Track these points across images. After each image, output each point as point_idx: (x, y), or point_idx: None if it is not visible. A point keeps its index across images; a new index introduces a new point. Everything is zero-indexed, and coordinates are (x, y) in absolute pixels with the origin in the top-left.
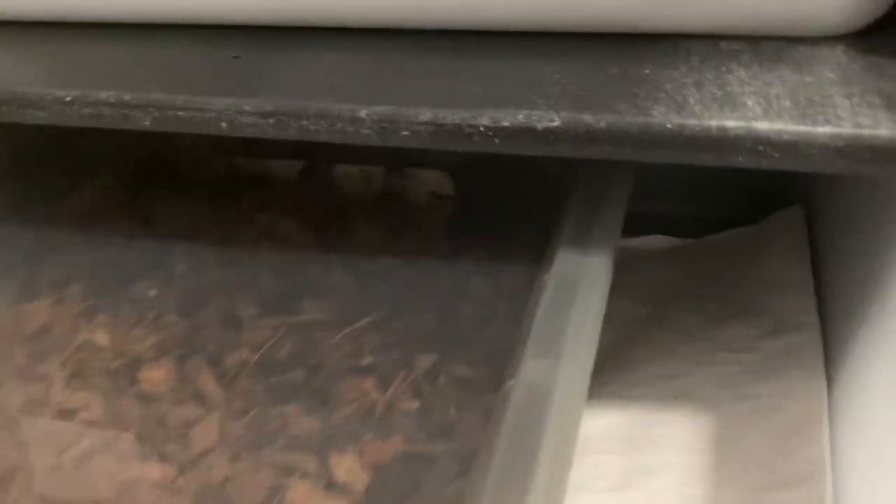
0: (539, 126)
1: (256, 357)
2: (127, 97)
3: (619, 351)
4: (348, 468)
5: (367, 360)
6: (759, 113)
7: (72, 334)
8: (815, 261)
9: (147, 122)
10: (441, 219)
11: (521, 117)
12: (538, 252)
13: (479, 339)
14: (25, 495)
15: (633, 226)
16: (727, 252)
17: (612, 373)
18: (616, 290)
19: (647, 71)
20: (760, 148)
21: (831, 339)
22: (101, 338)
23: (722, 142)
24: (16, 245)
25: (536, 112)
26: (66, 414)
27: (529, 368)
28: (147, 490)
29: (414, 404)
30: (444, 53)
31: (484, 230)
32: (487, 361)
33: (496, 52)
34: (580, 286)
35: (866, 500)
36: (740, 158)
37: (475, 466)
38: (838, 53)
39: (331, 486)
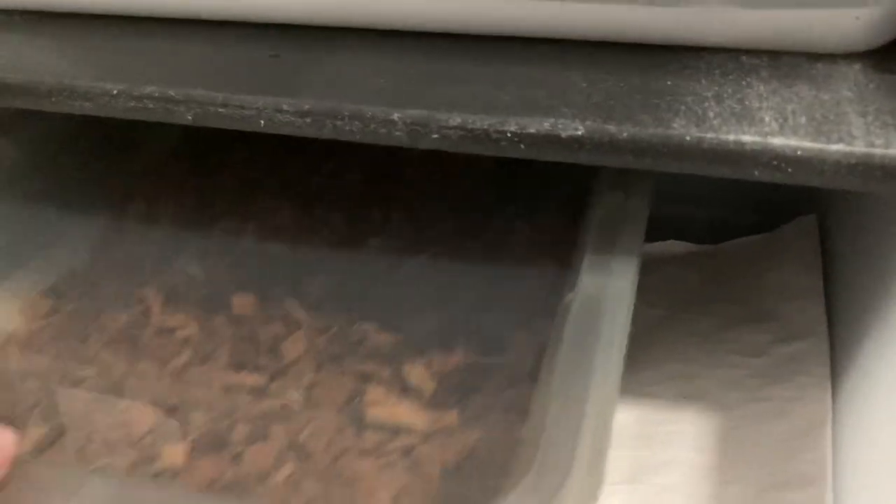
0: (563, 134)
1: (333, 283)
2: (171, 92)
3: (633, 351)
4: (418, 375)
5: (429, 287)
6: (775, 129)
7: (164, 264)
8: (827, 269)
9: (189, 117)
10: (486, 169)
11: (546, 125)
12: (577, 197)
13: (523, 272)
14: (137, 400)
15: (651, 229)
16: (742, 259)
17: (626, 372)
18: None
19: (670, 82)
20: (775, 163)
21: (838, 347)
22: (193, 267)
23: (738, 155)
24: (102, 188)
25: (562, 121)
26: (166, 332)
27: (585, 283)
28: (243, 395)
29: (471, 324)
30: (475, 59)
31: (526, 178)
32: (531, 289)
33: (526, 58)
34: (625, 225)
35: (865, 502)
36: (756, 172)
37: (543, 364)
38: (856, 71)
39: (404, 390)
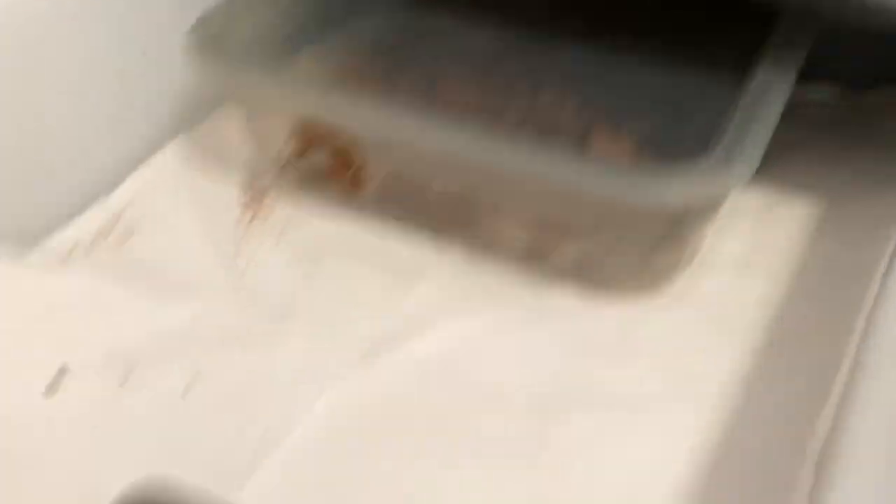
0: None
1: (570, 70)
2: None
3: (770, 155)
4: (628, 127)
5: (638, 74)
6: None
7: (453, 52)
8: None
9: None
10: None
11: None
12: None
13: (713, 65)
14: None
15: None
16: (879, 104)
17: (760, 165)
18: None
19: None
20: None
21: None
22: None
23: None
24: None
25: None
26: (451, 101)
27: (758, 81)
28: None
29: (668, 101)
30: None
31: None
32: (718, 80)
33: None
34: (795, 46)
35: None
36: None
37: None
38: None
39: (614, 138)
